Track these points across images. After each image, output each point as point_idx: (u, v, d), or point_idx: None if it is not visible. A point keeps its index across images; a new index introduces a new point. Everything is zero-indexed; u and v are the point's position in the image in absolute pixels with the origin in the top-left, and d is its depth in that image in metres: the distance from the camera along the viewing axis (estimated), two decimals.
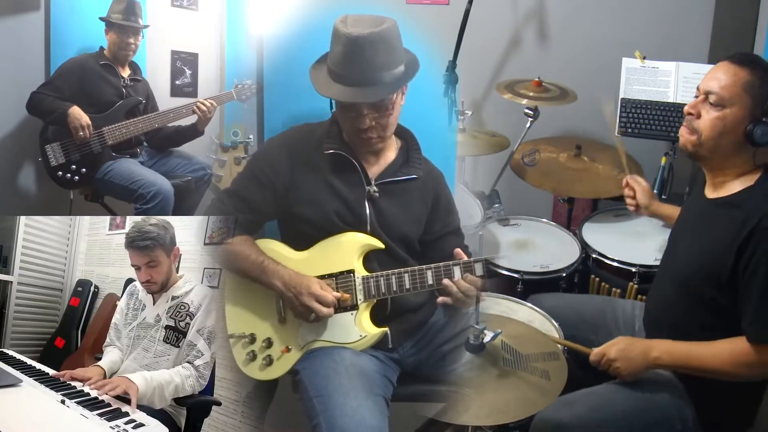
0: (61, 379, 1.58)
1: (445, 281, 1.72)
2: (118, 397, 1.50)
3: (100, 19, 2.71)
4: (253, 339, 1.84)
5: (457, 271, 1.72)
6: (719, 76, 1.62)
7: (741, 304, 1.57)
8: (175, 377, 1.62)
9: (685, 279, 1.66)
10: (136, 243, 1.73)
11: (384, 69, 1.71)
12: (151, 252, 1.72)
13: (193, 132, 2.83)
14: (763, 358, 1.54)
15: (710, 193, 1.67)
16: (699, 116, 1.64)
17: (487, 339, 1.64)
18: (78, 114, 2.61)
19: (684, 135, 1.68)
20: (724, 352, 1.58)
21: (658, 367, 1.67)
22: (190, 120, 2.81)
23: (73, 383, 1.56)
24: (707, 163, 1.69)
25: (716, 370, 1.58)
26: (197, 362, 1.68)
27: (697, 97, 1.66)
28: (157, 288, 1.76)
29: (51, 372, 1.63)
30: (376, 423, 1.60)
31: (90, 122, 2.63)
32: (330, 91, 1.75)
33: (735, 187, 1.63)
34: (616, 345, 1.68)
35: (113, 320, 1.83)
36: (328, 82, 1.76)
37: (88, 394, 1.50)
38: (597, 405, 1.66)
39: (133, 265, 1.77)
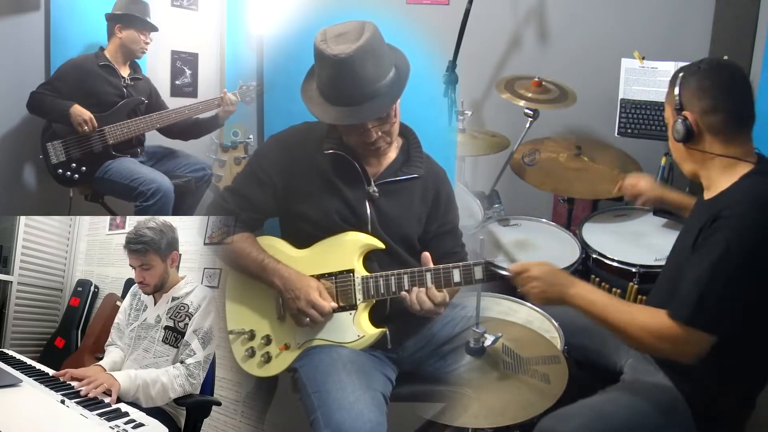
0: (62, 378, 1.58)
1: (403, 294, 1.72)
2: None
3: (112, 15, 2.71)
4: (252, 335, 1.84)
5: (456, 274, 1.72)
6: None
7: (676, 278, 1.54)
8: (162, 376, 1.61)
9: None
10: (129, 245, 1.74)
11: (378, 80, 1.68)
12: (143, 256, 1.72)
13: (214, 123, 2.85)
14: (674, 333, 1.49)
15: (705, 195, 1.68)
16: None
17: (487, 343, 1.64)
18: (80, 110, 2.62)
19: None
20: (641, 317, 1.54)
21: (570, 305, 1.61)
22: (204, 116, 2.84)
23: (72, 383, 1.56)
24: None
25: (627, 332, 1.53)
26: (189, 361, 1.67)
27: None
28: (150, 290, 1.77)
29: (51, 372, 1.63)
30: (374, 417, 1.59)
31: (92, 116, 2.64)
32: (330, 116, 1.72)
33: (721, 185, 1.60)
34: (541, 266, 1.63)
35: (116, 320, 1.83)
36: (323, 104, 1.73)
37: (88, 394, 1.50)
38: (595, 417, 1.64)
39: (130, 265, 1.77)
